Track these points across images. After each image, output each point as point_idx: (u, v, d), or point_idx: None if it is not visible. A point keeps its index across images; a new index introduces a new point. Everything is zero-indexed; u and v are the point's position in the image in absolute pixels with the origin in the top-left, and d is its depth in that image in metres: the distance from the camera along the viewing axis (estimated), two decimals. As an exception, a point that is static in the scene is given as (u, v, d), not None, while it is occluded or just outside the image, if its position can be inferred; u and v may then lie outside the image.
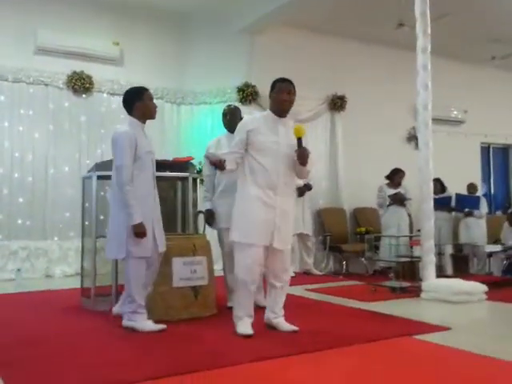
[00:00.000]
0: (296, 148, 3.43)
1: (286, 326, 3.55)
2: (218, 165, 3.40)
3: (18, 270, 6.25)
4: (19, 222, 6.48)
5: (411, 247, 6.37)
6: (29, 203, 6.54)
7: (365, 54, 8.09)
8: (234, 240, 3.52)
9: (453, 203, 7.58)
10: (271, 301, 3.62)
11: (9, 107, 6.50)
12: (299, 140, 3.44)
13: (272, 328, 3.60)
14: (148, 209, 3.66)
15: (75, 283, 5.03)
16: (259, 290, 4.07)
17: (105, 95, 7.04)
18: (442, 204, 7.41)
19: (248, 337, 3.40)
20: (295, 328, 3.54)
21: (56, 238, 6.65)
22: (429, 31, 5.15)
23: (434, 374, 2.75)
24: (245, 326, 3.46)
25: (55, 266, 6.54)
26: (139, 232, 3.53)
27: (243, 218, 3.47)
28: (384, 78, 8.17)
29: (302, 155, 3.42)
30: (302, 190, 6.62)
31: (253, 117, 3.75)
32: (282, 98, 3.51)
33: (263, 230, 3.43)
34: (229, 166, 3.44)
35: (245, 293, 3.48)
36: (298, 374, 2.76)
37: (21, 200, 6.50)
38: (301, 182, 6.58)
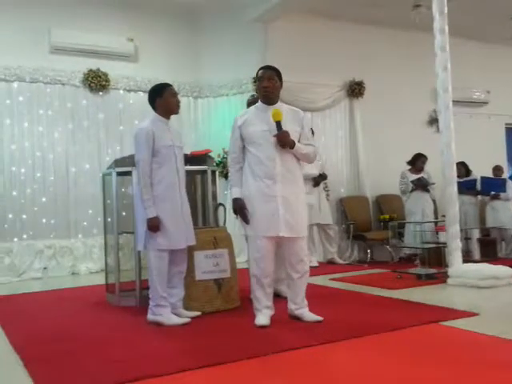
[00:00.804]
0: (276, 132, 3.42)
1: (310, 317, 3.52)
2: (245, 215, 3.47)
3: (45, 268, 6.36)
4: (44, 221, 6.55)
5: (437, 233, 6.28)
6: (52, 202, 6.61)
7: (381, 37, 7.94)
8: (245, 234, 3.54)
9: (478, 186, 7.43)
10: (291, 292, 3.59)
11: (28, 108, 6.55)
12: (278, 123, 3.43)
13: (296, 319, 3.57)
14: (171, 202, 3.70)
15: (100, 280, 5.07)
16: (282, 280, 4.05)
17: (121, 92, 7.05)
18: (467, 188, 7.29)
19: (264, 327, 3.39)
20: (319, 318, 3.51)
21: (80, 236, 6.71)
22: (445, 11, 5.02)
23: (462, 360, 2.70)
24: (261, 318, 3.47)
25: (80, 263, 6.61)
26: (152, 226, 3.60)
27: (250, 210, 3.46)
28: (402, 61, 8.02)
29: (280, 138, 3.41)
30: (317, 180, 6.60)
31: (244, 111, 3.75)
32: (262, 84, 3.52)
33: (266, 221, 3.41)
34: (239, 192, 3.52)
35: (258, 286, 3.50)
36: (323, 364, 2.73)
37: (44, 199, 6.57)
38: (315, 172, 6.56)
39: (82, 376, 2.66)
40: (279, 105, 3.59)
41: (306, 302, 3.59)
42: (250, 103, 4.49)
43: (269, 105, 3.55)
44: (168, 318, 3.65)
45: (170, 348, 3.12)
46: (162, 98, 3.78)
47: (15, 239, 6.37)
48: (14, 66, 6.45)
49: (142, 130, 3.70)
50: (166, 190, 3.69)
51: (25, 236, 6.43)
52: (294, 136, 3.49)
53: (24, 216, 6.44)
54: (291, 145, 3.45)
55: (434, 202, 7.12)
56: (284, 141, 3.42)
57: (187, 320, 3.65)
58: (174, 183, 3.73)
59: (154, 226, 3.61)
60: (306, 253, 3.56)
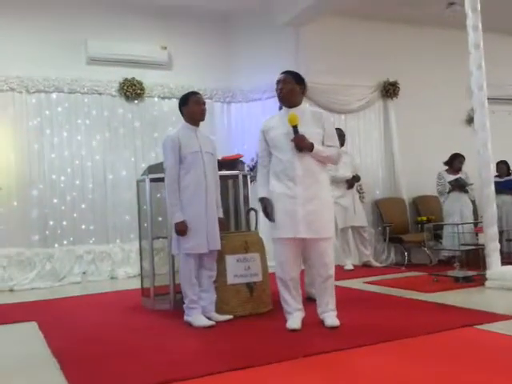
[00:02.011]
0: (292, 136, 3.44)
1: (328, 322, 3.47)
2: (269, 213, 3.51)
3: (84, 273, 6.53)
4: (83, 227, 6.73)
5: (476, 234, 6.13)
6: (91, 209, 6.79)
7: (415, 36, 7.81)
8: (271, 237, 3.57)
9: (519, 186, 7.21)
10: (317, 295, 3.59)
11: (66, 117, 6.75)
12: (294, 128, 3.44)
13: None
14: (197, 207, 3.78)
15: (137, 284, 5.17)
16: (313, 283, 4.03)
17: (156, 99, 7.19)
18: (507, 187, 7.08)
19: (295, 331, 3.39)
20: (335, 324, 3.44)
21: (118, 241, 6.87)
22: (479, 8, 4.91)
23: (496, 364, 2.63)
24: (292, 321, 3.47)
25: (118, 267, 6.75)
26: (179, 230, 3.71)
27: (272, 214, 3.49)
28: (437, 59, 7.87)
29: (297, 143, 3.42)
30: (351, 183, 6.56)
31: (271, 116, 3.78)
32: (277, 87, 3.58)
33: (286, 222, 3.42)
34: (266, 192, 3.56)
35: (284, 289, 3.52)
36: (353, 368, 2.71)
37: (83, 206, 6.75)
38: (349, 174, 6.53)
39: (115, 378, 2.73)
40: (301, 107, 3.60)
41: (331, 307, 3.54)
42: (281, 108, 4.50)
43: (289, 107, 3.57)
44: (196, 318, 3.75)
45: (201, 351, 3.17)
46: (188, 106, 3.94)
47: (56, 245, 6.56)
48: (52, 78, 6.66)
49: (168, 137, 3.88)
50: (193, 195, 3.78)
51: (65, 242, 6.62)
52: (315, 138, 3.48)
53: (64, 222, 6.64)
54: (309, 148, 3.44)
55: (473, 202, 6.95)
56: (300, 145, 3.43)
57: (212, 323, 3.72)
58: (200, 189, 3.81)
59: (181, 230, 3.72)
60: (330, 257, 3.51)
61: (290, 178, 3.45)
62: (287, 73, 3.63)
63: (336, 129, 6.71)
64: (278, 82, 3.59)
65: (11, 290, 6.07)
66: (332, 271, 3.51)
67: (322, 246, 3.47)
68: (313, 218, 3.42)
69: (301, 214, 3.40)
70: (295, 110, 3.53)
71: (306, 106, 3.69)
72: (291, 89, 3.56)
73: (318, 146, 3.48)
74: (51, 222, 6.57)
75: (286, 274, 3.48)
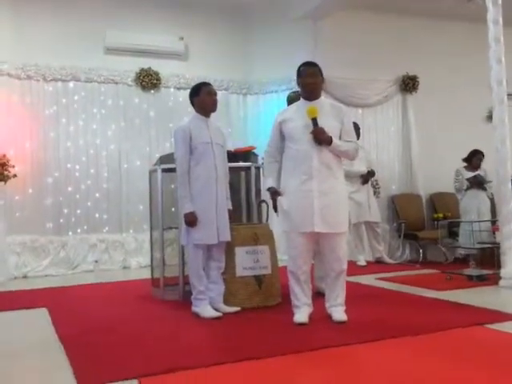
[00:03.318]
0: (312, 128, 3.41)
1: (335, 317, 3.44)
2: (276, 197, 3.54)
3: (96, 261, 6.57)
4: (97, 215, 6.77)
5: (493, 233, 6.02)
6: (105, 198, 6.82)
7: (434, 30, 7.67)
8: (283, 230, 3.53)
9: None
10: (327, 289, 3.56)
11: (83, 106, 6.78)
12: (314, 120, 3.40)
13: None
14: (207, 198, 3.77)
15: (149, 274, 5.17)
16: (323, 278, 3.99)
17: (172, 90, 7.18)
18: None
19: (302, 325, 3.37)
20: (343, 319, 3.41)
21: (131, 231, 6.89)
22: (499, 1, 4.80)
23: (505, 363, 2.58)
24: (300, 315, 3.44)
25: (131, 257, 6.78)
26: (189, 221, 3.70)
27: (284, 207, 3.46)
28: (457, 54, 7.71)
29: (316, 135, 3.38)
30: (366, 178, 6.50)
31: (285, 108, 3.79)
32: (306, 81, 3.51)
33: (301, 216, 3.37)
34: (274, 184, 3.58)
35: (295, 283, 3.49)
36: (358, 363, 2.68)
37: (97, 195, 6.78)
38: (364, 169, 6.46)
39: (117, 364, 2.74)
40: (321, 100, 3.57)
41: (339, 301, 3.51)
42: (292, 100, 4.45)
43: (310, 100, 3.53)
44: (203, 309, 3.74)
45: (208, 341, 3.18)
46: (199, 97, 3.91)
47: (70, 233, 6.61)
48: (69, 66, 6.69)
49: (179, 128, 3.87)
50: (203, 186, 3.77)
51: (79, 230, 6.66)
52: (333, 132, 3.44)
53: (78, 211, 6.68)
54: (328, 141, 3.40)
55: (491, 200, 6.82)
56: (319, 138, 3.39)
57: (219, 314, 3.71)
58: (211, 180, 3.79)
59: (191, 221, 3.70)
60: (344, 251, 3.48)
61: (306, 170, 3.40)
62: (313, 65, 3.56)
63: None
64: (306, 74, 3.51)
65: (25, 277, 6.15)
66: (345, 266, 3.48)
67: (337, 241, 3.43)
68: (328, 212, 3.38)
69: (316, 207, 3.36)
70: (315, 103, 3.50)
71: (324, 99, 3.64)
72: (318, 82, 3.54)
73: (336, 140, 3.44)
74: (65, 210, 6.62)
75: (297, 267, 3.45)
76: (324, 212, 3.37)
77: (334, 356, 2.78)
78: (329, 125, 3.43)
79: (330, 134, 3.41)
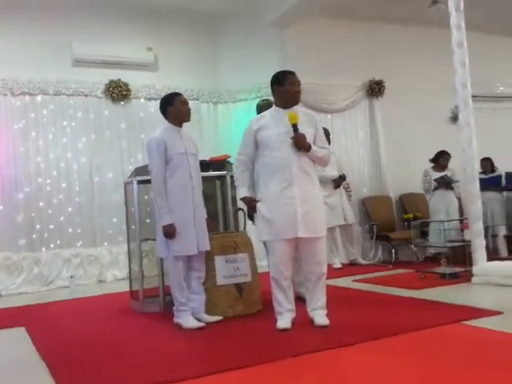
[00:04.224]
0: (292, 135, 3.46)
1: (318, 321, 3.49)
2: (253, 206, 3.57)
3: (71, 277, 6.49)
4: (70, 230, 6.68)
5: (462, 231, 6.19)
6: (78, 212, 6.74)
7: (399, 35, 7.86)
8: (263, 240, 3.57)
9: (503, 182, 7.29)
10: (308, 294, 3.60)
11: (52, 120, 6.70)
12: (294, 126, 3.46)
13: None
14: (185, 209, 3.77)
15: (126, 286, 5.15)
16: (302, 283, 4.05)
17: (142, 101, 7.16)
18: (492, 184, 7.16)
19: (285, 331, 3.40)
20: (324, 323, 3.45)
21: (106, 244, 6.83)
22: (462, 7, 4.97)
23: (485, 360, 2.66)
24: (283, 321, 3.48)
25: (107, 270, 6.72)
26: (168, 233, 3.68)
27: (266, 215, 3.48)
28: (421, 58, 7.93)
29: (296, 141, 3.44)
30: (338, 182, 6.61)
31: (258, 116, 3.78)
32: (295, 89, 3.55)
33: (285, 223, 3.42)
34: (248, 192, 3.60)
35: (278, 290, 3.52)
36: (342, 367, 2.73)
37: (70, 209, 6.70)
38: (335, 174, 6.57)
39: (104, 381, 2.72)
40: (294, 108, 3.62)
41: (320, 304, 3.55)
42: (262, 108, 4.50)
43: (285, 108, 3.58)
44: (186, 320, 3.74)
45: (191, 353, 3.18)
46: (173, 107, 3.88)
47: (43, 249, 6.51)
48: (37, 80, 6.61)
49: (153, 139, 3.82)
50: (179, 197, 3.76)
51: (52, 245, 6.57)
52: (309, 138, 3.52)
53: (51, 226, 6.58)
54: (307, 148, 3.47)
55: (459, 199, 7.02)
56: (300, 143, 3.45)
57: (202, 324, 3.71)
58: (187, 190, 3.79)
59: (170, 232, 3.69)
60: (324, 254, 3.55)
61: (286, 177, 3.45)
62: (295, 74, 3.60)
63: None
64: (295, 83, 3.55)
65: (-2, 295, 6.03)
66: (325, 269, 3.55)
67: (317, 245, 3.50)
68: (309, 218, 3.44)
69: (300, 213, 3.41)
70: (290, 110, 3.55)
71: (296, 106, 3.67)
72: (300, 91, 3.60)
73: (314, 147, 3.52)
74: (38, 226, 6.52)
75: (280, 274, 3.48)
76: (306, 218, 3.43)
77: (318, 361, 2.81)
78: (305, 131, 3.50)
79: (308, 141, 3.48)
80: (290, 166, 3.46)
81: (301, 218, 3.41)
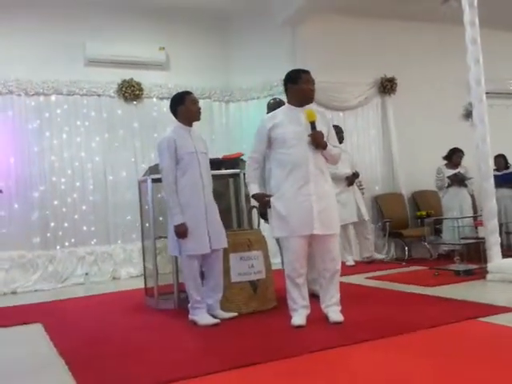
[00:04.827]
0: (310, 132, 3.48)
1: (332, 317, 3.50)
2: (266, 204, 3.57)
3: (86, 274, 6.55)
4: (84, 228, 6.74)
5: (475, 228, 6.16)
6: (92, 210, 6.80)
7: (411, 32, 7.83)
8: (276, 236, 3.58)
9: (517, 179, 7.25)
10: (322, 290, 3.60)
11: (65, 120, 6.75)
12: (312, 124, 3.48)
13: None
14: (196, 208, 3.79)
15: (140, 284, 5.19)
16: (316, 280, 4.06)
17: (154, 100, 7.20)
18: (506, 181, 7.13)
19: (300, 327, 3.42)
20: (339, 319, 3.46)
21: (119, 242, 6.88)
22: (475, 4, 4.95)
23: (500, 356, 2.66)
24: (298, 318, 3.49)
25: (121, 268, 6.78)
26: (180, 232, 3.70)
27: (281, 212, 3.48)
28: (434, 55, 7.89)
29: (315, 138, 3.46)
30: (351, 180, 6.60)
31: (271, 114, 3.75)
32: (309, 87, 3.57)
33: (301, 220, 3.43)
34: (259, 189, 3.64)
35: (293, 287, 3.53)
36: (356, 364, 2.74)
37: (84, 207, 6.76)
38: (349, 171, 6.56)
39: (121, 378, 2.75)
40: (308, 106, 3.63)
41: (335, 301, 3.57)
42: (272, 107, 4.51)
43: (299, 107, 3.59)
44: (201, 317, 3.76)
45: (207, 349, 3.19)
46: (184, 106, 3.89)
47: (58, 247, 6.57)
48: (51, 80, 6.67)
49: (163, 139, 3.85)
50: (191, 196, 3.78)
51: (67, 243, 6.63)
52: (324, 136, 3.54)
53: (65, 224, 6.64)
54: (324, 145, 3.50)
55: (472, 196, 6.99)
56: (318, 141, 3.47)
57: (217, 321, 3.73)
58: (198, 189, 3.81)
59: (182, 232, 3.70)
60: (338, 251, 3.57)
61: (303, 175, 3.46)
62: (309, 72, 3.61)
63: (335, 126, 6.77)
64: (307, 81, 3.56)
65: (14, 293, 6.09)
66: (339, 266, 3.57)
67: (332, 242, 3.51)
68: (325, 215, 3.47)
69: (316, 210, 3.44)
70: (306, 108, 3.57)
71: (310, 104, 3.69)
72: (314, 89, 3.62)
73: (329, 145, 3.54)
74: (52, 224, 6.58)
75: (296, 271, 3.49)
76: (321, 215, 3.45)
77: (334, 358, 2.82)
78: (320, 129, 3.52)
79: None
80: (307, 163, 3.47)
81: (317, 215, 3.43)
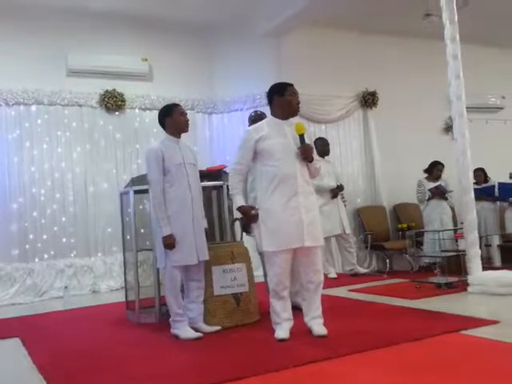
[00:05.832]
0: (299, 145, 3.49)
1: (316, 331, 3.48)
2: (253, 217, 3.51)
3: (65, 287, 6.43)
4: (64, 240, 6.64)
5: (456, 240, 6.22)
6: (71, 222, 6.70)
7: (393, 47, 7.96)
8: (263, 250, 3.53)
9: (496, 192, 7.35)
10: (306, 303, 3.59)
11: (46, 130, 6.67)
12: (301, 137, 3.49)
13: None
14: (184, 219, 3.77)
15: (121, 297, 5.12)
16: (298, 292, 4.04)
17: (137, 111, 7.17)
18: (485, 194, 7.22)
19: (283, 341, 3.39)
20: (323, 333, 3.45)
21: (100, 254, 6.79)
22: (456, 19, 5.03)
23: (483, 369, 2.66)
24: (281, 331, 3.47)
25: (101, 281, 6.67)
26: (168, 243, 3.69)
27: (270, 226, 3.46)
28: (415, 69, 8.02)
29: (305, 151, 3.47)
30: (335, 192, 6.62)
31: (256, 126, 3.70)
32: (296, 101, 3.60)
33: (292, 233, 3.42)
34: (244, 200, 3.59)
35: (277, 300, 3.52)
36: (340, 378, 2.72)
37: (64, 219, 6.66)
38: (333, 184, 6.59)
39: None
40: (291, 119, 3.64)
41: (318, 313, 3.55)
42: (254, 120, 4.52)
43: (283, 119, 3.60)
44: (183, 331, 3.72)
45: (189, 364, 3.16)
46: (172, 118, 3.91)
47: (36, 259, 6.45)
48: (32, 90, 6.59)
49: (151, 150, 3.84)
50: (179, 207, 3.77)
51: (46, 256, 6.51)
52: None
53: (44, 236, 6.53)
54: (311, 159, 3.52)
55: (452, 209, 7.07)
56: (308, 154, 3.49)
57: (200, 335, 3.70)
58: (186, 201, 3.80)
59: (170, 243, 3.69)
60: (321, 263, 3.59)
61: (291, 187, 3.45)
62: (293, 86, 3.62)
63: (320, 138, 6.83)
64: (295, 94, 3.59)
65: (-9, 306, 5.96)
66: (322, 277, 3.57)
67: (317, 254, 3.52)
68: (313, 227, 3.48)
69: (305, 222, 3.44)
70: (291, 121, 3.60)
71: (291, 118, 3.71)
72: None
73: (314, 158, 3.56)
74: (31, 236, 6.47)
75: (282, 284, 3.47)
76: (310, 227, 3.46)
77: (318, 372, 2.79)
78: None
79: None
80: (295, 176, 3.47)
81: (306, 227, 3.44)
